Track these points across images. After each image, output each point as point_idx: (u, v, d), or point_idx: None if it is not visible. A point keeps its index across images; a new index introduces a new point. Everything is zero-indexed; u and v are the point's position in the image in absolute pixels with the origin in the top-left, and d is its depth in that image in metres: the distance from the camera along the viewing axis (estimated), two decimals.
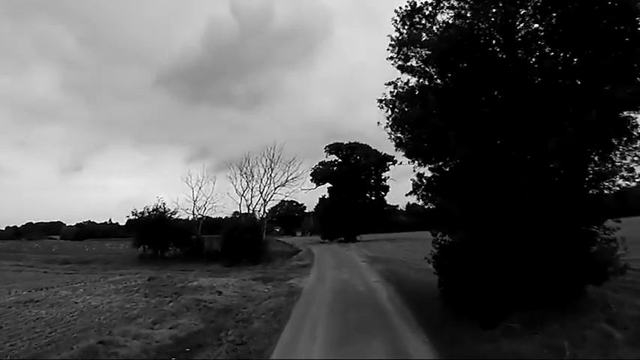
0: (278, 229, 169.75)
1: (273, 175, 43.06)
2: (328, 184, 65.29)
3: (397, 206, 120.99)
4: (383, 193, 65.46)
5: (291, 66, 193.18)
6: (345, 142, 66.14)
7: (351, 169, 62.74)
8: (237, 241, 27.86)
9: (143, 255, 32.16)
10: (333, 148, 65.84)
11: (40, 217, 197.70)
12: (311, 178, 64.33)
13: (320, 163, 65.81)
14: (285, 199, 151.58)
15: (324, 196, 66.50)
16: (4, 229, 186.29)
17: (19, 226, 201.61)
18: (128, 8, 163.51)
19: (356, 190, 62.78)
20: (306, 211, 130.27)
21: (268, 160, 44.19)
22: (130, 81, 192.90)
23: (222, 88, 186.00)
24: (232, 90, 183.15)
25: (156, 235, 30.97)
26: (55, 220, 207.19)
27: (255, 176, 42.14)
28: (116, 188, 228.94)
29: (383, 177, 64.92)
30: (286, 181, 44.57)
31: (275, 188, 42.26)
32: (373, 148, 64.27)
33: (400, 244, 54.23)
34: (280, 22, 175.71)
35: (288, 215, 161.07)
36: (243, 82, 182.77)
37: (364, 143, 64.88)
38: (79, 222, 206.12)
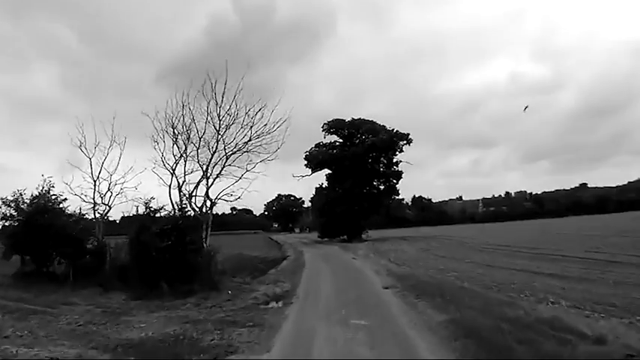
0: (275, 225, 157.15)
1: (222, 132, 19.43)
2: (327, 170, 51.95)
3: (403, 200, 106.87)
4: (394, 181, 51.89)
5: (294, 61, 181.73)
6: (347, 119, 52.62)
7: (356, 152, 49.21)
8: (151, 251, 13.85)
9: (22, 273, 18.87)
10: (333, 126, 52.17)
11: None
12: (305, 163, 50.94)
13: (316, 145, 52.22)
14: (282, 194, 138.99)
15: (321, 186, 53.11)
16: None
17: None
18: (129, 4, 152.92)
19: (361, 178, 49.18)
20: (305, 205, 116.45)
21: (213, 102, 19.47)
22: (130, 77, 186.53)
23: (223, 85, 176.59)
24: (233, 85, 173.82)
25: (35, 240, 17.66)
26: None
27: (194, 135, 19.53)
28: (118, 185, 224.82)
29: (394, 160, 51.49)
30: (249, 140, 19.70)
31: (228, 156, 19.39)
32: (382, 124, 50.93)
33: (421, 245, 40.81)
34: (283, 17, 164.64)
35: (285, 210, 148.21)
36: (245, 77, 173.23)
37: (371, 119, 51.50)
38: None
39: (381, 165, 50.79)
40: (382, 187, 51.62)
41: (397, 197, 53.23)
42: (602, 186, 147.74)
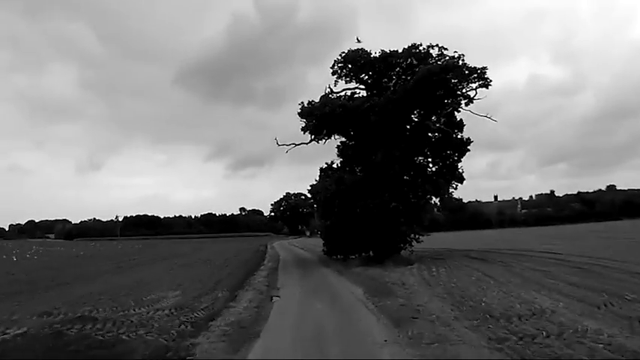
0: (284, 229, 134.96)
1: None
2: (339, 139, 29.03)
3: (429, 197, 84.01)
4: (456, 156, 28.71)
5: (315, 62, 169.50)
6: (375, 53, 29.51)
7: (391, 98, 26.21)
8: None
9: None
10: (351, 62, 29.17)
11: (53, 215, 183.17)
12: (302, 127, 28.00)
13: (323, 97, 29.24)
14: (291, 192, 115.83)
15: (329, 165, 29.93)
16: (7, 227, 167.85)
17: (23, 223, 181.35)
18: (149, 4, 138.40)
19: (401, 146, 26.02)
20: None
21: None
22: (148, 78, 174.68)
23: (242, 85, 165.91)
24: (253, 87, 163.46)
25: None
26: (60, 218, 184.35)
27: None
28: (133, 186, 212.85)
29: (455, 118, 28.29)
30: None
31: None
32: (437, 53, 27.61)
33: (547, 281, 17.96)
34: (304, 17, 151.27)
35: (294, 211, 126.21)
36: (264, 79, 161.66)
37: (416, 43, 28.15)
38: (83, 220, 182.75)
39: (436, 123, 27.44)
40: (436, 165, 28.36)
41: (458, 184, 29.47)
42: (625, 188, 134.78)
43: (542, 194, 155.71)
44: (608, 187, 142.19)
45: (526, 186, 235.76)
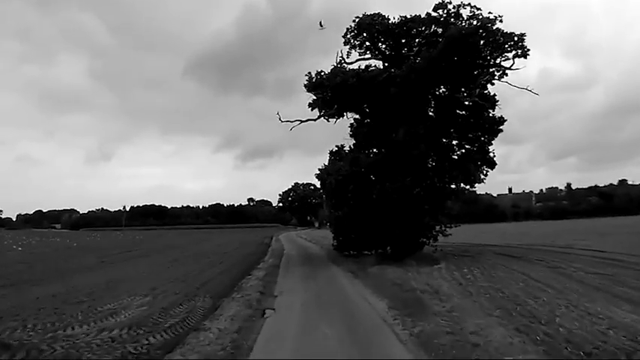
0: (293, 219, 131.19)
1: None
2: (352, 116, 24.90)
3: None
4: (486, 137, 24.50)
5: (326, 53, 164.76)
6: (394, 19, 25.26)
7: (414, 67, 22.01)
8: None
9: None
10: (365, 29, 24.99)
11: (63, 205, 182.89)
12: (310, 102, 23.91)
13: (334, 68, 24.91)
14: (300, 182, 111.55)
15: (340, 147, 25.83)
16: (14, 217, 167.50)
17: (31, 213, 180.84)
18: None
19: (425, 122, 21.88)
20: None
21: None
22: (158, 69, 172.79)
23: (252, 76, 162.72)
24: (263, 78, 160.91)
25: None
26: (68, 208, 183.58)
27: None
28: (142, 177, 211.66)
29: (488, 90, 24.04)
30: None
31: None
32: (468, 14, 23.27)
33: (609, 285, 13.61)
34: (316, 7, 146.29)
35: (303, 202, 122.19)
36: (274, 70, 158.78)
37: (443, 1, 23.68)
38: (91, 210, 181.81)
39: (466, 97, 23.12)
40: (464, 147, 24.16)
41: (489, 170, 25.17)
42: (636, 183, 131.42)
43: (553, 188, 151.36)
44: (619, 181, 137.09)
45: (535, 179, 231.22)
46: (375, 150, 23.49)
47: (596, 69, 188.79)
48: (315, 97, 23.26)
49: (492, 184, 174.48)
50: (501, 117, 24.46)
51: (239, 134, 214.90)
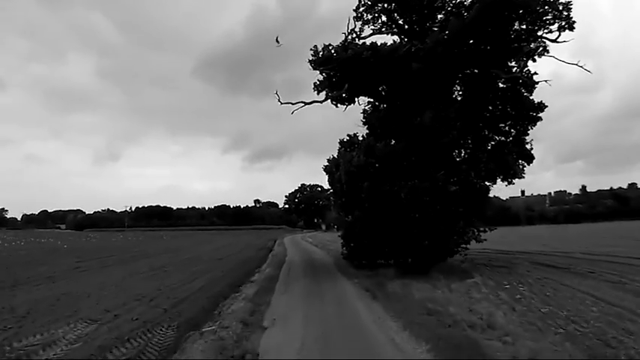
0: (300, 222, 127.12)
1: None
2: (365, 99, 21.03)
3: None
4: (523, 125, 20.50)
5: None
6: None
7: (438, 40, 18.09)
8: None
9: None
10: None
11: (70, 205, 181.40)
12: (316, 83, 20.06)
13: (344, 41, 21.02)
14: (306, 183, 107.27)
15: (352, 136, 21.96)
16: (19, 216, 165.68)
17: (36, 213, 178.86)
18: None
19: (454, 105, 17.98)
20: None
21: None
22: (167, 68, 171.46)
23: (261, 76, 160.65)
24: (272, 79, 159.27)
25: None
26: (74, 208, 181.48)
27: None
28: (149, 177, 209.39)
29: (528, 68, 19.99)
30: None
31: None
32: None
33: None
34: (325, 8, 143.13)
35: (309, 203, 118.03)
36: (283, 70, 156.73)
37: None
38: (97, 210, 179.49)
39: (502, 75, 19.03)
40: (497, 138, 20.14)
41: (525, 164, 21.12)
42: None
43: (562, 191, 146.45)
44: (629, 185, 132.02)
45: (542, 183, 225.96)
46: (393, 141, 19.57)
47: (605, 71, 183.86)
48: (322, 78, 19.45)
49: (500, 187, 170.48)
50: (541, 102, 20.47)
51: (247, 135, 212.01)
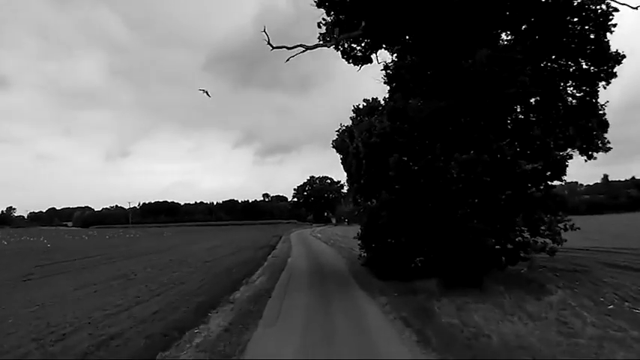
0: (309, 215, 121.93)
1: None
2: (387, 56, 15.74)
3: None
4: (598, 79, 15.11)
5: None
6: None
7: None
8: None
9: None
10: None
11: (79, 202, 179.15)
12: (321, 21, 14.66)
13: None
14: (315, 176, 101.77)
15: (372, 101, 16.75)
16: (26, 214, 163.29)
17: (44, 210, 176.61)
18: None
19: (511, 49, 12.75)
20: (345, 190, 78.88)
21: None
22: (177, 65, 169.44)
23: (271, 72, 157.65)
24: (281, 74, 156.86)
25: None
26: (83, 205, 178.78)
27: None
28: (160, 173, 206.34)
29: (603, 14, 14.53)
30: None
31: None
32: None
33: None
34: None
35: (319, 196, 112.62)
36: (293, 65, 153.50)
37: None
38: (105, 207, 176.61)
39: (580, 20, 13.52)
40: (572, 95, 14.71)
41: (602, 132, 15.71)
42: None
43: (573, 182, 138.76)
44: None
45: None
46: (423, 102, 14.11)
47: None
48: (331, 13, 14.12)
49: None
50: (617, 51, 14.85)
51: (258, 130, 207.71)
